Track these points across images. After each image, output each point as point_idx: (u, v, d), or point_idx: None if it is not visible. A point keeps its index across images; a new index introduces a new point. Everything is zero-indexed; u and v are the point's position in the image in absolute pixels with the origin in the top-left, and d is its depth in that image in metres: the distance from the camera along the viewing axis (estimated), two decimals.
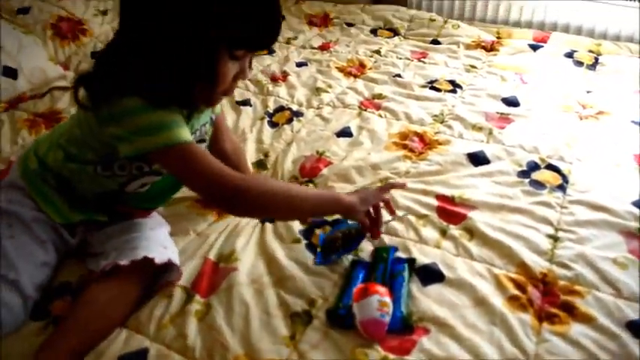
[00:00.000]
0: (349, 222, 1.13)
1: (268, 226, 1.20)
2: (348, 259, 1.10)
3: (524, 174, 1.36)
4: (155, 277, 1.05)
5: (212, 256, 1.11)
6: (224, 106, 1.72)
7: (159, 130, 0.89)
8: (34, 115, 1.70)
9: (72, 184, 1.06)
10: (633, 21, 2.11)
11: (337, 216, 1.16)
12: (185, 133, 0.92)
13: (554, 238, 1.16)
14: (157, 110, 0.89)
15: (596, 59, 1.99)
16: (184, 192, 1.32)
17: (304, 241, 1.15)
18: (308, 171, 1.40)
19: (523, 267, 1.08)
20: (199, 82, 0.92)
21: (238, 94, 1.80)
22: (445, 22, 2.27)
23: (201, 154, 0.94)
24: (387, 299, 0.95)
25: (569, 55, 2.02)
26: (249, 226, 1.21)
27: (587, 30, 2.20)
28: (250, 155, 1.48)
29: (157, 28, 0.85)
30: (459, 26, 2.24)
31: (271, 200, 0.96)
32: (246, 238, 1.16)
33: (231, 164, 1.25)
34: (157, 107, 0.89)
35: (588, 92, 1.77)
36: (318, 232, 1.17)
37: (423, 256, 1.11)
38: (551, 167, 1.38)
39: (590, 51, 2.04)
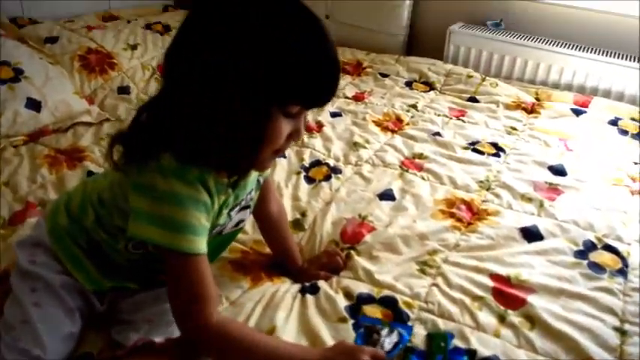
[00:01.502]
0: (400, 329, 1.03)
1: (309, 298, 1.11)
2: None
3: (581, 254, 1.26)
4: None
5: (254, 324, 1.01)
6: None
7: (182, 229, 0.81)
8: (55, 152, 1.63)
9: (103, 249, 0.97)
10: None
11: None
12: (203, 244, 0.84)
13: (622, 332, 1.06)
14: (189, 202, 0.81)
15: None
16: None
17: (351, 321, 1.05)
18: (350, 236, 1.30)
19: None
20: (249, 144, 0.81)
21: None
22: (483, 79, 2.21)
23: (203, 274, 0.85)
24: None
25: (614, 122, 1.95)
26: (288, 295, 1.11)
27: (629, 96, 2.14)
28: (287, 214, 1.39)
29: (204, 84, 0.76)
30: (497, 84, 2.18)
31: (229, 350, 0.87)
32: (286, 312, 1.06)
33: (274, 227, 1.17)
34: (190, 183, 0.81)
35: (636, 164, 1.70)
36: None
37: (483, 346, 1.01)
38: (609, 248, 1.29)
39: (633, 119, 1.98)
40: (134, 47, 2.23)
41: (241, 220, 1.04)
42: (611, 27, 2.23)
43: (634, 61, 2.13)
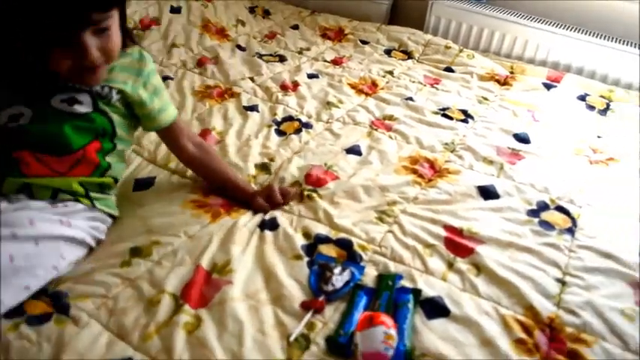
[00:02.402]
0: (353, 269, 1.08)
1: (268, 234, 1.15)
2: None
3: (533, 213, 1.32)
4: None
5: (205, 264, 1.06)
6: (230, 110, 1.68)
7: None
8: None
9: None
10: None
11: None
12: None
13: (562, 282, 1.12)
14: None
15: (608, 105, 1.98)
16: (179, 190, 1.27)
17: (306, 258, 1.10)
18: (314, 180, 1.35)
19: (531, 310, 1.04)
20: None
21: (246, 98, 1.76)
22: (460, 50, 2.25)
23: None
24: (393, 332, 0.91)
25: (582, 98, 2.00)
26: (246, 230, 1.15)
27: (601, 75, 2.19)
28: (254, 158, 1.44)
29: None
30: (473, 56, 2.22)
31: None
32: (242, 247, 1.11)
33: (202, 165, 1.31)
34: None
35: (599, 137, 1.76)
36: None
37: (429, 287, 1.06)
38: (560, 209, 1.35)
39: (602, 96, 2.03)
40: None
41: None
42: (588, 7, 2.28)
43: (608, 40, 2.18)
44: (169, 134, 1.27)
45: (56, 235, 1.00)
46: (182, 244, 1.11)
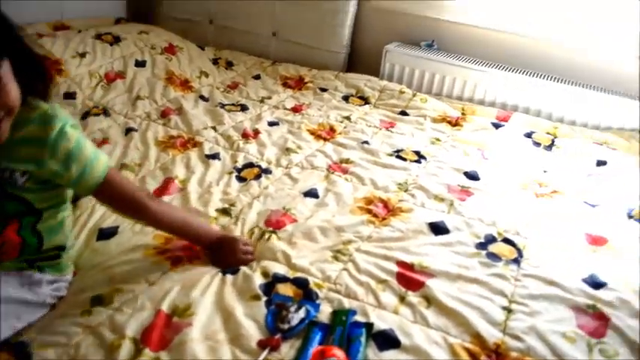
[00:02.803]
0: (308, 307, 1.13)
1: (229, 277, 1.20)
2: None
3: (481, 246, 1.40)
4: None
5: (165, 308, 1.09)
6: (192, 159, 1.74)
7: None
8: None
9: None
10: (588, 108, 2.25)
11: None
12: None
13: (508, 310, 1.19)
14: None
15: (553, 141, 2.10)
16: (141, 239, 1.32)
17: (264, 298, 1.15)
18: (273, 223, 1.42)
19: (477, 337, 1.10)
20: None
21: (208, 147, 1.83)
22: (414, 94, 2.37)
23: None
24: None
25: (529, 135, 2.13)
26: (207, 275, 1.20)
27: (546, 113, 2.33)
28: (215, 204, 1.49)
29: None
30: (426, 100, 2.34)
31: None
32: (202, 290, 1.15)
33: (156, 218, 1.21)
34: None
35: (545, 172, 1.86)
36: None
37: (381, 321, 1.12)
38: (507, 241, 1.43)
39: (548, 133, 2.16)
40: (82, 55, 2.31)
41: None
42: (532, 49, 2.43)
43: (552, 80, 2.32)
44: (105, 193, 1.10)
45: (15, 298, 1.05)
46: (143, 290, 1.15)
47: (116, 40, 2.49)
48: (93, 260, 1.25)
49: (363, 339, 1.05)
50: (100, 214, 1.43)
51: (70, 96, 2.11)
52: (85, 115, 1.99)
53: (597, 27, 2.29)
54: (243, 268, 1.23)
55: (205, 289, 1.15)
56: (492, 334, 1.11)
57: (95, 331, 1.04)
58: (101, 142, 1.79)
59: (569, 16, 2.32)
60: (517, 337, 1.11)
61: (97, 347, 1.00)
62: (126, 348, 1.00)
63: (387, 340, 1.07)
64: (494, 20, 2.46)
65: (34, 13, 2.52)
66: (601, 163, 1.94)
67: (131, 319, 1.06)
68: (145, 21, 2.90)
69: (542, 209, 1.61)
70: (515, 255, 1.38)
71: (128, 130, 1.90)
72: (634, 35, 2.22)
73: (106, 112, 2.04)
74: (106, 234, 1.35)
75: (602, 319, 1.17)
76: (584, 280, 1.28)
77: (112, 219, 1.41)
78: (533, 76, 2.36)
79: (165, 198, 1.51)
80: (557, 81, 2.32)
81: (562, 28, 2.35)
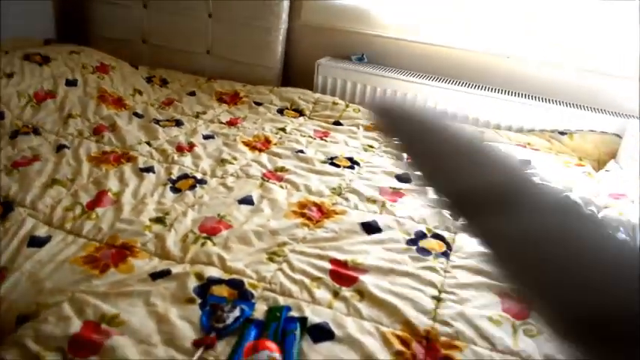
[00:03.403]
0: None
1: (159, 282, 1.20)
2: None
3: (412, 242, 1.46)
4: None
5: (92, 316, 1.08)
6: (126, 172, 1.72)
7: None
8: None
9: None
10: (511, 112, 2.38)
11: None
12: None
13: (438, 299, 1.24)
14: None
15: None
16: (69, 248, 1.30)
17: (199, 301, 1.15)
18: (208, 229, 1.42)
19: (408, 325, 1.14)
20: None
21: (142, 161, 1.82)
22: (347, 105, 2.44)
23: None
24: (277, 355, 0.97)
25: None
26: (136, 281, 1.19)
27: (473, 118, 2.44)
28: (149, 213, 1.49)
29: None
30: (359, 110, 2.41)
31: None
32: (131, 298, 1.14)
33: None
34: None
35: None
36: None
37: (316, 315, 1.14)
38: (437, 236, 1.50)
39: None
40: (10, 75, 2.25)
41: None
42: (456, 59, 2.56)
43: (477, 88, 2.44)
44: None
45: None
46: (69, 300, 1.13)
47: (45, 60, 2.44)
48: (22, 266, 1.23)
49: (297, 332, 1.07)
50: (30, 225, 1.40)
51: None
52: (14, 135, 1.94)
53: (518, 33, 2.44)
54: (175, 272, 1.23)
55: (137, 295, 1.14)
56: (423, 322, 1.16)
57: (20, 343, 1.01)
58: (31, 160, 1.75)
59: (487, 24, 2.46)
60: (446, 323, 1.16)
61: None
62: (52, 358, 0.98)
63: (321, 333, 1.10)
64: (420, 33, 2.58)
65: None
66: (525, 162, 2.06)
67: (56, 329, 1.04)
68: (75, 42, 2.85)
69: None
70: (444, 248, 1.44)
71: (60, 148, 1.86)
72: (547, 42, 2.38)
73: (36, 131, 1.99)
74: (36, 242, 1.33)
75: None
76: None
77: (43, 230, 1.39)
78: (458, 85, 2.48)
79: (99, 210, 1.49)
80: (483, 89, 2.44)
81: (482, 37, 2.49)
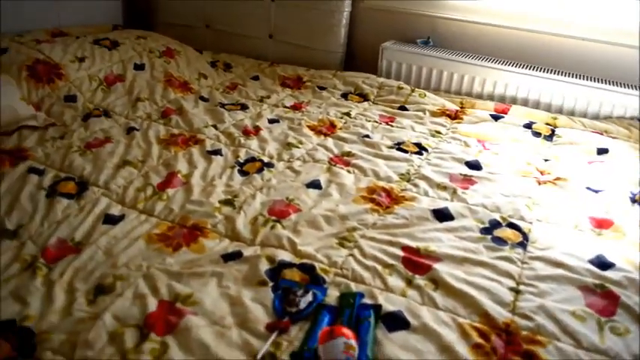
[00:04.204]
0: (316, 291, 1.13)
1: (231, 264, 1.19)
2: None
3: (486, 231, 1.40)
4: None
5: (168, 294, 1.09)
6: (194, 155, 1.74)
7: None
8: None
9: None
10: (587, 98, 2.26)
11: None
12: None
13: (516, 291, 1.19)
14: None
15: (553, 131, 2.11)
16: (143, 226, 1.32)
17: (270, 283, 1.14)
18: (277, 212, 1.42)
19: (486, 317, 1.09)
20: None
21: (209, 144, 1.83)
22: (412, 90, 2.38)
23: None
24: (353, 342, 0.95)
25: (528, 126, 2.13)
26: (209, 262, 1.20)
27: (545, 104, 2.34)
28: (218, 195, 1.49)
29: None
30: (425, 95, 2.35)
31: None
32: (205, 278, 1.15)
33: None
34: None
35: (546, 160, 1.87)
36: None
37: (389, 303, 1.11)
38: (512, 226, 1.43)
39: (547, 123, 2.17)
40: (82, 59, 2.31)
41: None
42: (527, 42, 2.45)
43: (548, 72, 2.33)
44: None
45: None
46: (144, 276, 1.14)
47: (114, 44, 2.49)
48: (98, 242, 1.26)
49: (371, 320, 1.04)
50: (104, 204, 1.44)
51: (70, 99, 2.11)
52: (86, 117, 2.00)
53: (593, 18, 2.30)
54: (246, 254, 1.22)
55: (209, 276, 1.15)
56: (501, 314, 1.10)
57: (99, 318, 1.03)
58: (104, 141, 1.79)
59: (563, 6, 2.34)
60: (527, 317, 1.10)
61: (102, 335, 0.99)
62: (130, 334, 0.99)
63: (395, 322, 1.06)
64: (487, 16, 2.48)
65: (31, 20, 2.54)
66: (602, 151, 1.95)
67: (133, 306, 1.05)
68: (141, 28, 2.91)
69: (545, 195, 1.61)
70: (520, 239, 1.38)
71: (130, 130, 1.90)
72: (634, 25, 2.24)
73: (106, 114, 2.04)
74: (112, 220, 1.36)
75: (611, 298, 1.17)
76: (591, 261, 1.28)
77: (117, 209, 1.42)
78: (529, 68, 2.37)
79: (169, 191, 1.51)
80: (555, 73, 2.33)
81: (556, 21, 2.36)
